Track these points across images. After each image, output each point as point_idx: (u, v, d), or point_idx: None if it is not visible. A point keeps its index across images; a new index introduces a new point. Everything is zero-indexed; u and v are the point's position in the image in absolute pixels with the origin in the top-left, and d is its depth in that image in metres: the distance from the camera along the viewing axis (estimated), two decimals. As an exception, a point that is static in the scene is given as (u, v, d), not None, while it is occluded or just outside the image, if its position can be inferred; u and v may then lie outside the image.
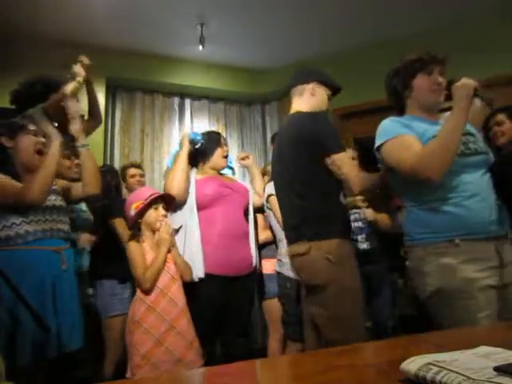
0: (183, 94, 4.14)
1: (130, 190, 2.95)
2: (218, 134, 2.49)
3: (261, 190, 2.51)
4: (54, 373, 1.63)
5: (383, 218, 2.33)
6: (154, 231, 1.97)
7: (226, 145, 2.39)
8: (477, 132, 1.54)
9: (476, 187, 1.39)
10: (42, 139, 1.80)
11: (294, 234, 1.69)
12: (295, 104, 1.85)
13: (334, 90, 1.90)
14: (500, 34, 3.21)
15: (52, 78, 2.42)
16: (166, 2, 3.08)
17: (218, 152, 2.32)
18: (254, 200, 2.44)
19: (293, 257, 1.70)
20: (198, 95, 4.21)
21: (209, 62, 3.96)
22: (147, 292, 1.83)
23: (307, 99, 1.82)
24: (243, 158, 2.62)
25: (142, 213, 1.95)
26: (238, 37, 3.57)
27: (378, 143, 1.47)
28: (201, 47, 3.47)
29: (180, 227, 2.13)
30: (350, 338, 1.43)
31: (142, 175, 3.05)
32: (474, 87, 1.37)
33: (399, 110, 1.57)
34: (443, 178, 1.36)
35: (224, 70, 4.08)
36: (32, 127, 1.79)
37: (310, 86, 1.82)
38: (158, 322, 1.79)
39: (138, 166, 3.10)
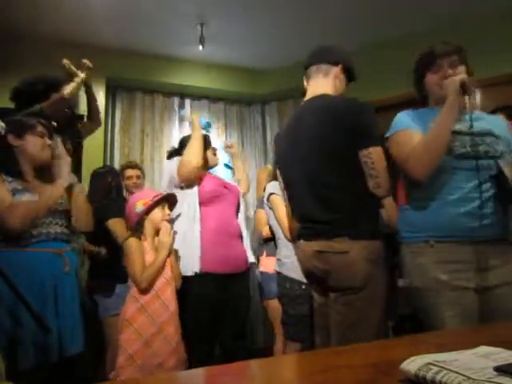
0: (183, 94, 4.14)
1: (127, 191, 2.94)
2: (204, 135, 2.54)
3: (243, 177, 2.66)
4: (55, 375, 1.63)
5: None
6: (156, 231, 1.97)
7: (211, 144, 2.45)
8: (506, 132, 1.53)
9: (468, 191, 1.39)
10: (49, 141, 1.81)
11: (330, 229, 1.51)
12: (318, 84, 1.64)
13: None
14: (500, 34, 3.20)
15: (52, 78, 2.43)
16: (166, 2, 3.08)
17: (206, 151, 2.37)
18: (241, 187, 2.55)
19: (324, 253, 1.51)
20: (197, 95, 4.21)
21: (209, 61, 3.96)
22: (143, 292, 1.83)
23: (332, 82, 1.64)
24: (228, 147, 2.82)
25: (150, 209, 1.95)
26: (238, 37, 3.57)
27: (387, 134, 1.52)
28: (201, 47, 3.47)
29: (179, 215, 2.14)
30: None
31: (139, 177, 2.97)
32: (461, 82, 1.35)
33: (423, 103, 1.62)
34: (435, 178, 1.39)
35: (224, 70, 4.08)
36: (40, 128, 1.80)
37: (337, 69, 1.64)
38: (148, 323, 1.79)
39: (135, 167, 3.02)
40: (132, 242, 1.91)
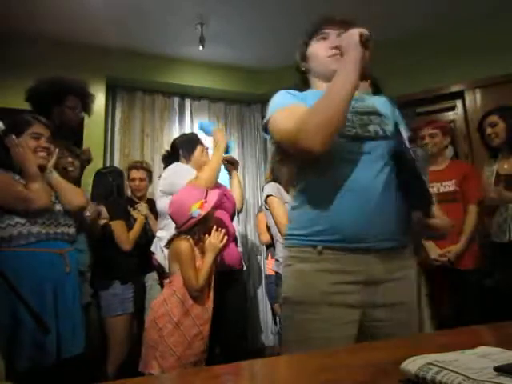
0: (183, 94, 4.14)
1: (132, 193, 2.92)
2: (196, 135, 2.58)
3: (238, 196, 2.62)
4: (55, 376, 1.63)
5: None
6: (205, 234, 1.93)
7: (203, 144, 2.49)
8: (392, 112, 1.25)
9: (364, 186, 1.11)
10: (45, 144, 1.80)
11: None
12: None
13: None
14: (500, 34, 3.21)
15: (69, 80, 2.45)
16: (166, 2, 3.08)
17: (198, 149, 2.42)
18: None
19: None
20: (197, 95, 4.21)
21: (209, 62, 3.96)
22: (195, 295, 1.82)
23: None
24: (231, 163, 2.72)
25: (210, 212, 1.91)
26: (238, 37, 3.57)
27: (266, 118, 1.21)
28: (201, 47, 3.47)
29: None
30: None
31: (142, 179, 2.92)
32: (360, 34, 1.09)
33: (305, 87, 1.33)
34: (325, 167, 1.12)
35: (224, 70, 4.08)
36: (37, 129, 1.79)
37: (366, 84, 1.58)
38: (190, 326, 1.79)
39: (140, 168, 2.96)
40: (184, 245, 1.85)
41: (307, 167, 1.18)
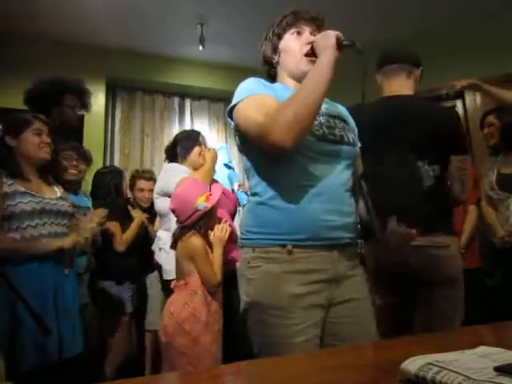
0: (183, 94, 4.15)
1: (136, 201, 2.85)
2: (197, 132, 2.52)
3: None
4: (55, 376, 1.63)
5: None
6: (208, 230, 1.88)
7: (204, 144, 2.45)
8: (352, 121, 1.29)
9: (328, 184, 1.11)
10: (47, 139, 1.80)
11: (428, 223, 1.44)
12: (402, 84, 1.65)
13: None
14: (500, 33, 3.21)
15: (67, 80, 2.45)
16: (166, 2, 3.08)
17: (196, 150, 2.37)
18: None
19: (422, 247, 1.50)
20: (198, 95, 4.21)
21: (209, 62, 3.96)
22: (213, 291, 1.79)
23: (413, 83, 1.66)
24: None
25: (215, 206, 1.87)
26: (238, 37, 3.57)
27: (232, 103, 1.15)
28: (201, 47, 3.47)
29: None
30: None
31: (151, 190, 2.75)
32: (338, 36, 1.09)
33: (272, 80, 1.30)
34: (293, 163, 1.10)
35: (224, 70, 4.08)
36: (37, 125, 1.79)
37: (418, 71, 1.68)
38: (214, 322, 1.77)
39: (150, 179, 2.86)
40: (198, 242, 1.80)
41: (272, 162, 1.12)
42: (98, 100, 3.53)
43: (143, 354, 2.59)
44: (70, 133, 2.49)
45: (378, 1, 3.10)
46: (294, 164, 1.10)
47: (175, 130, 4.06)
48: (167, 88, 4.04)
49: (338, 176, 1.14)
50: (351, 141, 1.19)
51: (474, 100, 3.36)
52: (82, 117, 2.94)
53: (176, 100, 4.15)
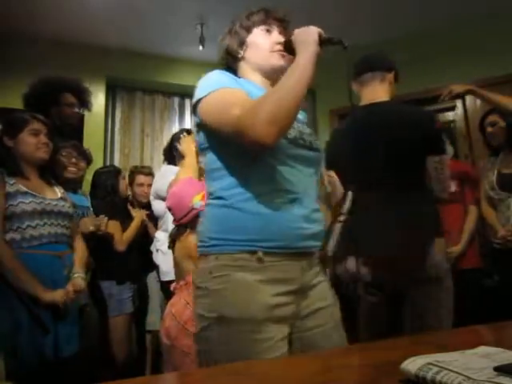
0: (183, 93, 4.14)
1: (134, 197, 2.88)
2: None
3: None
4: (53, 375, 1.63)
5: None
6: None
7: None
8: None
9: (301, 190, 1.07)
10: (45, 140, 1.80)
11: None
12: (376, 90, 1.72)
13: None
14: (500, 34, 3.21)
15: (61, 79, 2.45)
16: (166, 2, 3.08)
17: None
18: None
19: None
20: (198, 95, 4.20)
21: (209, 61, 3.94)
22: None
23: (388, 88, 1.73)
24: None
25: None
26: (238, 37, 3.57)
27: (197, 97, 1.06)
28: (201, 47, 3.47)
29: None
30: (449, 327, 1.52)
31: (150, 185, 2.80)
32: (320, 33, 1.06)
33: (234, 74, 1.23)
34: (266, 165, 1.03)
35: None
36: (35, 125, 1.79)
37: (391, 75, 1.74)
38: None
39: (149, 174, 2.90)
40: (194, 240, 1.69)
41: (245, 163, 1.04)
42: (98, 100, 3.53)
43: (143, 354, 2.59)
44: (70, 132, 2.49)
45: (378, 1, 3.10)
46: (268, 167, 1.03)
47: (175, 130, 4.05)
48: (167, 88, 4.03)
49: (309, 182, 1.10)
50: (318, 147, 1.16)
51: (473, 100, 3.36)
52: (83, 116, 2.94)
53: (176, 100, 4.15)
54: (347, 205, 1.66)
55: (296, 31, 1.09)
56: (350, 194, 1.65)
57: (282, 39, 1.15)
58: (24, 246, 1.64)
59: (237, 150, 1.01)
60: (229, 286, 0.98)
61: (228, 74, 1.14)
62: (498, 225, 2.36)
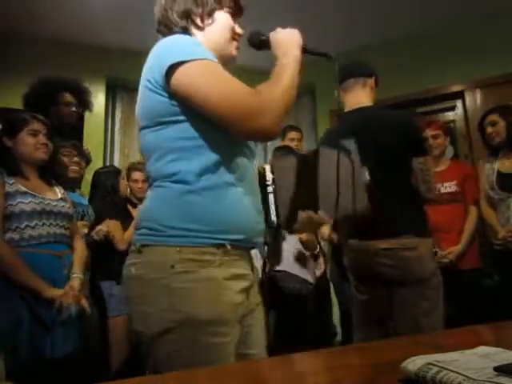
0: (183, 94, 4.14)
1: (132, 194, 2.88)
2: None
3: None
4: (55, 376, 1.63)
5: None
6: None
7: None
8: None
9: (255, 184, 1.05)
10: (44, 140, 1.80)
11: (398, 227, 1.64)
12: (358, 95, 1.80)
13: None
14: (500, 33, 3.21)
15: (59, 79, 2.45)
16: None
17: None
18: None
19: (392, 249, 1.63)
20: (198, 95, 4.20)
21: (209, 62, 3.96)
22: None
23: (369, 93, 1.81)
24: None
25: None
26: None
27: (173, 60, 0.93)
28: (201, 47, 3.47)
29: None
30: (439, 326, 1.55)
31: (145, 181, 2.79)
32: (302, 39, 1.06)
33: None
34: (228, 156, 0.96)
35: (224, 70, 4.08)
36: (34, 126, 1.79)
37: (371, 80, 1.82)
38: None
39: (142, 169, 2.87)
40: None
41: (217, 147, 0.95)
42: (98, 100, 3.53)
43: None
44: (70, 131, 2.49)
45: (378, 1, 3.10)
46: (237, 157, 0.98)
47: (175, 129, 4.07)
48: (167, 88, 4.03)
49: (255, 176, 1.07)
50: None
51: (473, 100, 3.36)
52: (83, 116, 2.94)
53: (176, 100, 4.15)
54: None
55: (280, 29, 1.08)
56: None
57: (240, 31, 1.13)
58: (23, 245, 1.64)
59: (216, 132, 0.94)
60: (196, 285, 0.88)
61: (197, 41, 1.03)
62: (498, 225, 2.36)
